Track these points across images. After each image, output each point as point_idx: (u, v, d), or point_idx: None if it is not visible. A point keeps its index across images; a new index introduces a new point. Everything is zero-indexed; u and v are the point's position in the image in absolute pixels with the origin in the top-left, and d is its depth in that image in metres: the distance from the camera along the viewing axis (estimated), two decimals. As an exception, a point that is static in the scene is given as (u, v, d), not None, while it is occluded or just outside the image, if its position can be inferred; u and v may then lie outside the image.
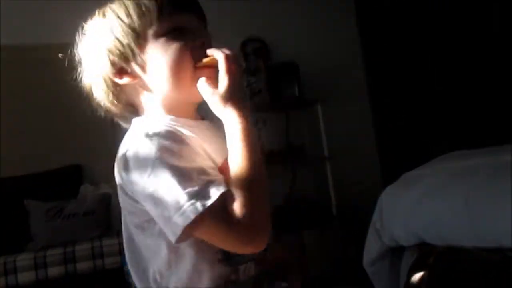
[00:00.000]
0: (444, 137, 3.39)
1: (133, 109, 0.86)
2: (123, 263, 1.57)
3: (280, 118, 3.46)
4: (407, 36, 3.57)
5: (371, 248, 1.90)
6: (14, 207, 2.70)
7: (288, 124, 3.43)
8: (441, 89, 3.51)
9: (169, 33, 0.79)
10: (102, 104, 0.85)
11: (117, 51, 0.79)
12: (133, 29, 0.78)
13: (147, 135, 0.73)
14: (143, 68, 0.80)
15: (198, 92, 0.78)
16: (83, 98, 0.88)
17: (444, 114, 3.50)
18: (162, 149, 0.70)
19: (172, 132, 0.75)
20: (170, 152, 0.70)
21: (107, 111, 0.86)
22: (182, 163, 0.69)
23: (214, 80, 0.77)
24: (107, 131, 3.07)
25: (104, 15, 0.82)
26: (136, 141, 0.75)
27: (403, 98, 3.60)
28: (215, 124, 0.84)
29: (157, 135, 0.73)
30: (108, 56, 0.80)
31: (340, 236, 3.17)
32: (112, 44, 0.79)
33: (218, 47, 0.81)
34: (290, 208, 3.21)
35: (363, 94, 3.74)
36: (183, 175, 0.68)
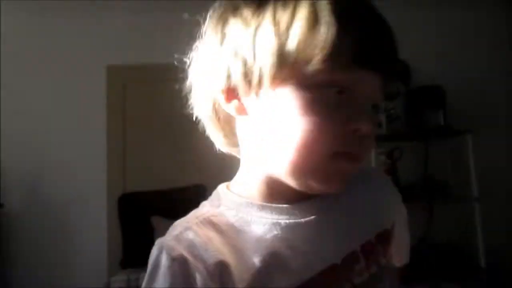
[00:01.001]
0: None
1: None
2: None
3: (419, 149, 3.07)
4: None
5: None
6: (143, 222, 2.75)
7: (428, 155, 3.03)
8: None
9: (326, 87, 0.51)
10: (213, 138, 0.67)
11: (240, 69, 0.54)
12: (279, 48, 0.51)
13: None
14: (262, 108, 0.55)
15: (324, 188, 0.54)
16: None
17: None
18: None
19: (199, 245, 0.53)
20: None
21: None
22: None
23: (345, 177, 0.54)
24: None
25: (228, 20, 0.57)
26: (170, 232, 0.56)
27: None
28: (329, 200, 0.57)
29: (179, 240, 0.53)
30: (226, 71, 0.55)
31: None
32: (238, 58, 0.54)
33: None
34: (424, 253, 2.81)
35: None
36: None
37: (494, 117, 3.10)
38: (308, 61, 0.49)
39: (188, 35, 0.66)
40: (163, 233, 2.53)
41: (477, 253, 2.75)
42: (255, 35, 0.52)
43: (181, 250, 0.51)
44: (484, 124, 2.98)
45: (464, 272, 2.71)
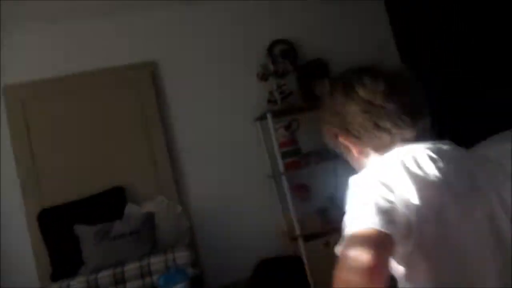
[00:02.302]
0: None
1: None
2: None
3: (316, 117, 3.37)
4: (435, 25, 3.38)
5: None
6: (66, 233, 2.79)
7: (324, 122, 3.35)
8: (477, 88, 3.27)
9: None
10: None
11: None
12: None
13: None
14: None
15: None
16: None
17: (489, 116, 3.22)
18: None
19: None
20: None
21: None
22: None
23: None
24: (144, 151, 3.16)
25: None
26: None
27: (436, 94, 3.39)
28: None
29: None
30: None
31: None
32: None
33: None
34: (336, 208, 3.13)
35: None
36: None
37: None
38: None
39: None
40: (88, 240, 2.67)
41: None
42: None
43: None
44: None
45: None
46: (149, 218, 2.80)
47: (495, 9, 2.89)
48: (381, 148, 0.94)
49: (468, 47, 3.11)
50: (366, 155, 0.98)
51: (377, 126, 0.91)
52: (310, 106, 3.27)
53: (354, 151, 0.99)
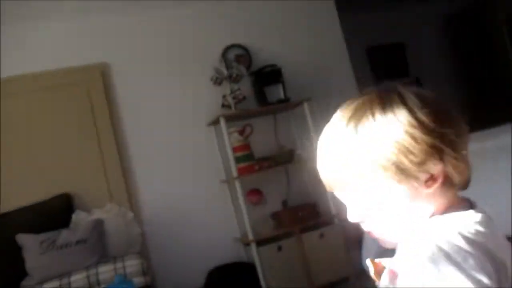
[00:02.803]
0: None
1: None
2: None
3: (269, 122, 3.41)
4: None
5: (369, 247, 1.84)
6: (7, 244, 2.64)
7: (277, 127, 3.38)
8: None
9: None
10: None
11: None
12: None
13: None
14: None
15: None
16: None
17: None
18: None
19: None
20: None
21: None
22: None
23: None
24: (93, 156, 3.07)
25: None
26: None
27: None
28: None
29: None
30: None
31: (342, 237, 3.10)
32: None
33: None
34: (289, 212, 3.17)
35: (351, 90, 3.68)
36: None
37: (326, 87, 3.51)
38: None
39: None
40: (32, 250, 2.55)
41: (328, 204, 3.16)
42: None
43: None
44: (319, 94, 3.38)
45: (321, 223, 3.11)
46: (98, 226, 2.71)
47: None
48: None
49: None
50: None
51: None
52: (263, 111, 3.30)
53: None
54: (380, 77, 3.65)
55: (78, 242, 2.55)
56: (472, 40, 5.54)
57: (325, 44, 3.76)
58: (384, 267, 0.73)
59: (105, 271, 2.39)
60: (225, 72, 3.11)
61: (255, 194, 3.25)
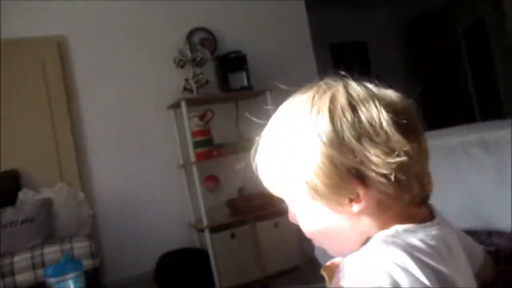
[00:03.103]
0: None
1: None
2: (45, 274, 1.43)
3: (231, 109, 3.38)
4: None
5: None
6: None
7: (238, 114, 3.36)
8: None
9: None
10: None
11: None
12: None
13: None
14: None
15: None
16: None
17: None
18: None
19: None
20: None
21: None
22: None
23: None
24: (46, 133, 2.94)
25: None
26: None
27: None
28: None
29: None
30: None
31: (297, 227, 3.13)
32: None
33: None
34: (244, 200, 3.16)
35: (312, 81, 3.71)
36: None
37: (289, 79, 3.52)
38: None
39: None
40: None
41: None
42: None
43: None
44: (281, 84, 3.38)
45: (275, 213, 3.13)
46: (46, 205, 2.60)
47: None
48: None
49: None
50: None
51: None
52: (226, 97, 3.27)
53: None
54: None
55: (24, 221, 2.43)
56: (431, 42, 5.74)
57: (291, 36, 3.78)
58: (337, 265, 0.70)
59: (51, 251, 2.30)
60: (189, 54, 3.05)
61: (211, 180, 3.22)
